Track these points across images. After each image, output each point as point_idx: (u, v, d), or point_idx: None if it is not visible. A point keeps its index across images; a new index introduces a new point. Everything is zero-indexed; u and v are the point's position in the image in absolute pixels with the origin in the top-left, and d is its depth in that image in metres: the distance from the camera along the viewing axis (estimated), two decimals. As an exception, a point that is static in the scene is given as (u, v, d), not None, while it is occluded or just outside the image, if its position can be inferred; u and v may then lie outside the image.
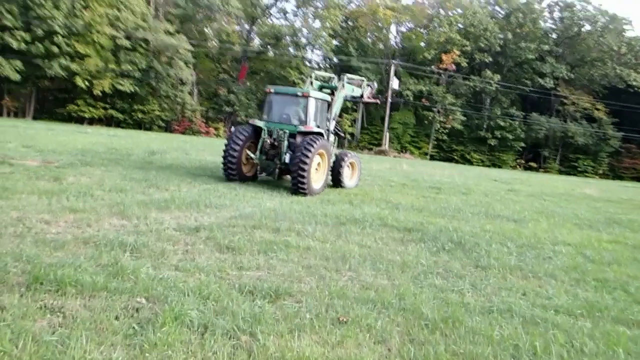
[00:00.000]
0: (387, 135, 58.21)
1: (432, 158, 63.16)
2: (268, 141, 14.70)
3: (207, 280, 5.86)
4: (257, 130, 14.95)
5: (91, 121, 49.95)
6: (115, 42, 48.43)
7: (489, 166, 62.16)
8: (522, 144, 65.49)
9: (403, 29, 69.62)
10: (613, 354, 4.87)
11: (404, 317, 5.37)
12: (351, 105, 57.25)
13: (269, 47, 65.10)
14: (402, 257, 7.90)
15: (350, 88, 17.31)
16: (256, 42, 67.10)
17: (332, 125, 16.20)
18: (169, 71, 50.95)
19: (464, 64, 62.93)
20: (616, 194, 28.49)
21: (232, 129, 15.95)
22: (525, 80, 64.75)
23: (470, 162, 63.08)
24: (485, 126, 64.67)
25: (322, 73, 19.92)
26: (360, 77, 18.95)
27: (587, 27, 66.92)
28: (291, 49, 62.25)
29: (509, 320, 5.56)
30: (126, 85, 49.00)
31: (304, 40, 62.13)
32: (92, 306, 4.81)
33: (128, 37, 48.90)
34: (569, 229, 12.53)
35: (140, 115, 51.85)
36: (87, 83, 47.06)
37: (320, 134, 14.78)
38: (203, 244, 7.50)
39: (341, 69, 62.93)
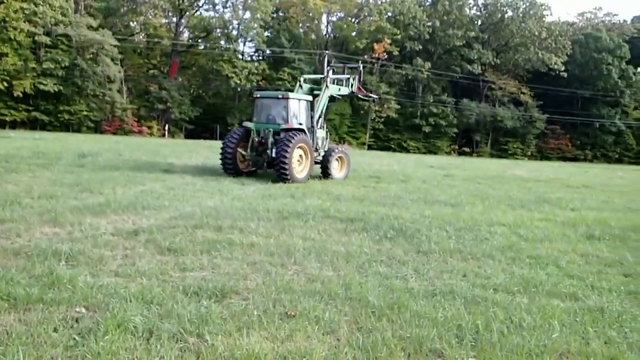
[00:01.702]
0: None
1: (370, 148, 64.04)
2: (256, 139, 17.04)
3: (149, 284, 5.70)
4: (248, 131, 17.38)
5: (13, 124, 47.15)
6: (34, 39, 46.01)
7: (425, 153, 63.78)
8: (455, 130, 67.53)
9: (334, 18, 69.92)
10: (549, 326, 5.12)
11: (351, 307, 5.44)
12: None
13: (199, 40, 63.78)
14: (346, 247, 7.98)
15: (335, 88, 19.48)
16: (186, 35, 65.55)
17: (319, 122, 18.53)
18: (95, 68, 48.73)
19: (396, 53, 63.99)
20: (544, 174, 29.95)
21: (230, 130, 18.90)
22: (454, 67, 66.70)
23: (407, 150, 64.45)
24: (419, 114, 66.17)
25: (312, 76, 21.89)
26: (345, 76, 20.56)
27: (510, 13, 69.58)
28: (223, 42, 61.19)
29: (451, 301, 5.74)
30: (49, 85, 46.55)
31: (235, 33, 61.18)
32: (27, 320, 4.58)
33: (48, 33, 46.58)
34: (503, 210, 13.05)
35: (67, 116, 49.33)
36: (5, 84, 44.49)
37: (302, 130, 16.78)
38: (143, 248, 7.29)
39: (274, 60, 62.67)
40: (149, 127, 54.25)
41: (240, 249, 7.48)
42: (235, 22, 61.64)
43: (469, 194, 16.12)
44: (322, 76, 20.13)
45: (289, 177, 15.95)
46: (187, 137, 56.00)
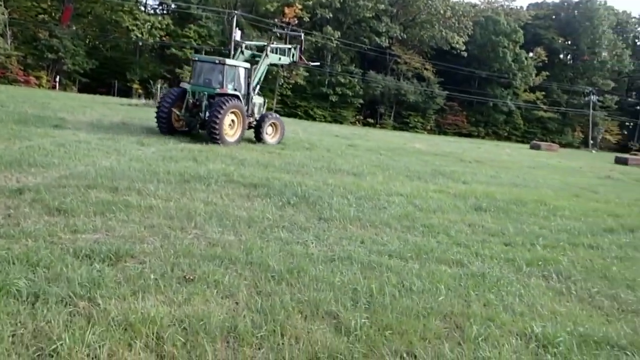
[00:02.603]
0: (230, 89, 57.30)
1: (277, 113, 63.66)
2: (191, 101, 17.66)
3: (35, 246, 5.38)
4: (185, 92, 17.88)
5: None
6: None
7: (330, 122, 64.51)
8: (361, 101, 68.78)
9: (245, -23, 67.81)
10: (436, 290, 5.48)
11: (251, 271, 5.47)
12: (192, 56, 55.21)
13: (96, -14, 59.14)
14: (249, 212, 7.97)
15: (276, 57, 20.23)
16: (82, -22, 60.45)
17: (256, 89, 19.30)
18: (-26, 9, 43.91)
19: (306, 19, 63.54)
20: (441, 148, 31.49)
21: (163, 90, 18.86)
22: (363, 38, 67.50)
23: (313, 118, 64.77)
24: (327, 82, 66.56)
25: (255, 42, 22.29)
26: (287, 46, 21.36)
27: (418, -12, 71.16)
28: (123, -10, 57.21)
29: (348, 266, 5.95)
30: None
31: (137, -19, 57.40)
32: None
33: None
34: (401, 181, 13.61)
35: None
36: None
37: (236, 96, 17.36)
38: (29, 207, 6.82)
39: (179, 16, 59.78)
40: (38, 78, 49.68)
41: (138, 212, 7.22)
42: (138, -29, 57.88)
43: (370, 165, 16.61)
44: (263, 44, 20.77)
45: (219, 139, 16.59)
46: (80, 90, 52.11)
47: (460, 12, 70.16)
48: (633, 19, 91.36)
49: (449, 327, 4.69)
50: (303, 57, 21.90)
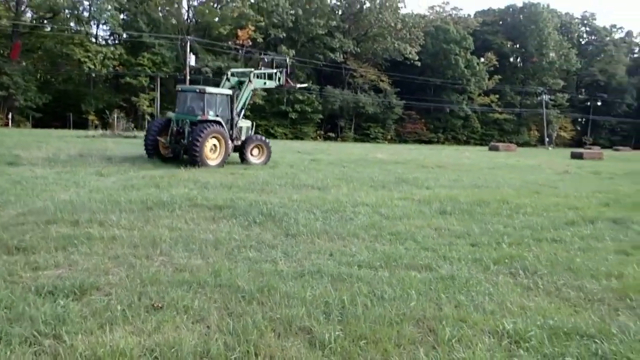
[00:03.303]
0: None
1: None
2: (175, 129, 18.84)
3: (-6, 287, 5.17)
4: (169, 121, 19.31)
5: None
6: None
7: (292, 139, 64.56)
8: (321, 116, 69.19)
9: (195, 3, 67.75)
10: (407, 296, 5.51)
11: (221, 293, 5.40)
12: (147, 84, 54.57)
13: (44, 21, 58.10)
14: (215, 234, 7.88)
15: (260, 82, 21.46)
16: (29, 15, 59.28)
17: (241, 113, 20.35)
18: None
19: (260, 40, 63.82)
20: (402, 156, 31.89)
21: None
22: (318, 54, 68.14)
23: (274, 136, 64.63)
24: (285, 100, 66.76)
25: (240, 70, 23.28)
26: (271, 70, 22.16)
27: (368, 4, 72.46)
28: (72, 24, 56.32)
29: (319, 280, 5.93)
30: None
31: (86, 14, 56.56)
32: None
33: None
34: (366, 191, 13.70)
35: None
36: None
37: (218, 122, 18.34)
38: (-14, 248, 6.57)
39: (132, 45, 59.20)
40: (-10, 116, 48.54)
41: (101, 243, 7.05)
42: (86, 2, 56.99)
43: (334, 177, 16.67)
44: (249, 70, 21.83)
45: (199, 162, 17.62)
46: (34, 126, 50.82)
47: (411, 24, 71.72)
48: (576, 20, 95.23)
49: (422, 332, 4.71)
50: (290, 80, 22.78)
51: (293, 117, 66.79)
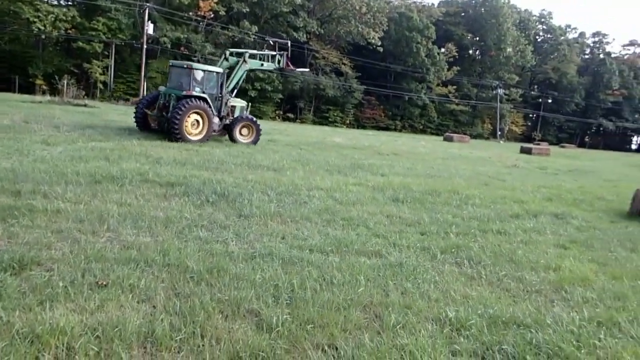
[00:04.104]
0: (144, 85, 55.02)
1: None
2: (161, 102, 19.26)
3: None
4: (159, 94, 19.74)
5: None
6: None
7: (249, 117, 63.83)
8: (280, 96, 68.62)
9: (156, -31, 65.49)
10: (356, 281, 5.60)
11: (169, 273, 5.33)
12: (101, 50, 52.59)
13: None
14: (166, 212, 7.75)
15: (257, 63, 21.92)
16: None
17: (233, 92, 20.94)
18: None
19: (222, 13, 62.43)
20: (360, 142, 32.07)
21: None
22: (281, 33, 67.18)
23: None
24: (245, 77, 65.81)
25: (238, 50, 22.99)
26: (270, 52, 22.71)
27: (333, -16, 71.91)
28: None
29: (270, 263, 5.93)
30: None
31: (37, -29, 53.62)
32: None
33: None
34: (321, 175, 13.74)
35: None
36: None
37: (203, 99, 18.58)
38: None
39: (86, 8, 56.68)
40: None
41: (44, 216, 6.81)
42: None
43: (291, 159, 16.63)
44: (245, 51, 22.11)
45: (179, 137, 17.90)
46: (-25, 88, 48.43)
47: (375, 9, 71.63)
48: (534, 17, 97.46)
49: (368, 317, 4.80)
50: (290, 64, 23.10)
51: (252, 95, 65.88)
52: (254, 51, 22.53)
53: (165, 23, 57.69)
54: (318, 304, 4.89)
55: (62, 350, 3.68)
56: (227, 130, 20.61)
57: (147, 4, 51.31)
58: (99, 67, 52.01)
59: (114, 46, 52.03)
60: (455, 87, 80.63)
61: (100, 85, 52.27)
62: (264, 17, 67.59)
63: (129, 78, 57.49)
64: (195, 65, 19.78)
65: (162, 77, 59.26)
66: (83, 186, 8.91)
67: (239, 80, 21.39)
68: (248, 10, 64.05)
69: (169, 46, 57.42)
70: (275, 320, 4.43)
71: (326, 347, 4.17)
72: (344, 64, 71.61)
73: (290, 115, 69.94)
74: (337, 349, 4.17)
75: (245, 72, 21.61)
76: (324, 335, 4.34)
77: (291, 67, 23.92)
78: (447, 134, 58.89)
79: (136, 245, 6.07)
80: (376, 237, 7.69)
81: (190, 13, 60.75)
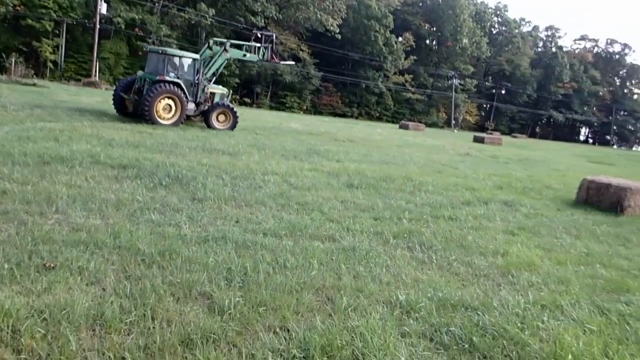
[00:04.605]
0: (97, 66, 53.27)
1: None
2: (137, 86, 19.62)
3: None
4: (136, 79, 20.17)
5: None
6: None
7: (206, 101, 62.84)
8: (237, 80, 67.78)
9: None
10: (309, 265, 5.65)
11: (120, 255, 5.24)
12: (52, 29, 50.52)
13: None
14: (117, 195, 7.59)
15: (238, 52, 22.59)
16: None
17: (212, 79, 21.48)
18: None
19: (180, -6, 61.04)
20: (316, 128, 32.11)
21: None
22: (239, 17, 66.30)
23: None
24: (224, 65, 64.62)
25: (220, 40, 23.37)
26: (256, 44, 23.09)
27: (292, -31, 71.21)
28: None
29: (223, 246, 5.91)
30: None
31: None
32: None
33: None
34: (277, 160, 13.72)
35: None
36: None
37: (176, 84, 18.92)
38: None
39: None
40: None
41: (-12, 197, 6.56)
42: None
43: (246, 144, 16.52)
44: (227, 40, 22.61)
45: (149, 120, 18.36)
46: None
47: (335, -5, 71.44)
48: (489, 10, 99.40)
49: (321, 300, 4.87)
50: (274, 57, 23.54)
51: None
52: (237, 41, 23.02)
53: (119, 3, 55.85)
54: (271, 287, 4.91)
55: (7, 333, 3.58)
56: (204, 116, 20.97)
57: (99, -17, 49.49)
58: (49, 46, 49.96)
59: (65, 25, 50.10)
60: (411, 76, 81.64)
61: (50, 65, 50.24)
62: (221, 1, 66.38)
63: (80, 58, 55.49)
64: (170, 50, 20.44)
65: (115, 57, 57.73)
66: (31, 167, 8.63)
67: (218, 68, 21.89)
68: (206, -9, 62.70)
69: (123, 27, 55.71)
70: (228, 303, 4.43)
71: (278, 329, 4.20)
72: (302, 50, 71.26)
73: (247, 100, 69.21)
74: (288, 330, 4.21)
75: (225, 60, 22.14)
76: (276, 317, 4.38)
77: (276, 60, 24.48)
78: (402, 122, 59.63)
79: (86, 227, 5.94)
80: (330, 221, 7.76)
81: (146, -8, 58.94)
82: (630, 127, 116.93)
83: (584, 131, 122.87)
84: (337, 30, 70.17)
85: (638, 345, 4.69)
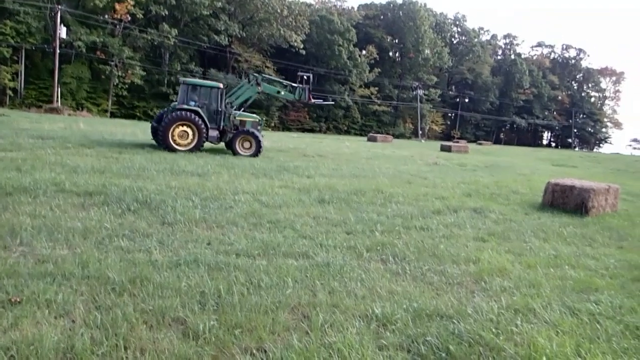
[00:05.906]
0: (58, 91, 52.31)
1: (113, 115, 59.74)
2: (163, 115, 20.71)
3: None
4: None
5: None
6: None
7: (172, 122, 62.20)
8: (203, 100, 67.43)
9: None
10: (284, 283, 5.62)
11: (89, 285, 5.12)
12: (10, 55, 49.51)
13: None
14: (84, 223, 7.42)
15: (272, 89, 23.75)
16: None
17: (240, 108, 22.84)
18: None
19: (140, 16, 60.56)
20: (285, 144, 32.16)
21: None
22: (202, 36, 66.25)
23: (152, 119, 61.93)
24: (166, 81, 64.19)
25: (255, 74, 24.21)
26: (295, 84, 23.59)
27: (254, -13, 71.56)
28: None
29: (195, 270, 5.83)
30: None
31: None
32: None
33: None
34: (247, 179, 13.64)
35: None
36: None
37: (194, 111, 19.87)
38: None
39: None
40: None
41: (-52, 232, 6.34)
42: None
43: (215, 164, 16.38)
44: (261, 75, 23.72)
45: (164, 146, 19.50)
46: None
47: (297, 11, 72.08)
48: (449, 20, 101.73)
49: (297, 318, 4.84)
50: (311, 97, 24.12)
51: (174, 99, 64.31)
52: (274, 78, 24.93)
53: (79, 26, 55.16)
54: (246, 308, 4.86)
55: (-29, 374, 3.45)
56: (227, 143, 21.79)
57: (59, 7, 48.87)
58: (7, 73, 48.92)
59: (23, 51, 49.17)
60: (377, 88, 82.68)
61: (9, 92, 49.17)
62: (183, 20, 66.22)
63: (41, 84, 54.46)
64: (189, 80, 21.44)
65: (77, 82, 56.78)
66: (-9, 199, 8.37)
67: (247, 99, 23.09)
68: (167, 13, 62.48)
69: (84, 50, 54.97)
70: (202, 327, 4.37)
71: (254, 351, 4.16)
72: (267, 67, 71.57)
73: (215, 119, 68.69)
74: (265, 351, 4.17)
75: (256, 93, 23.18)
76: (252, 339, 4.33)
77: (313, 101, 24.90)
78: (370, 134, 60.14)
79: (52, 258, 5.79)
80: (303, 238, 7.74)
81: (106, 16, 58.43)
82: (589, 129, 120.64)
83: (546, 135, 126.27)
84: (301, 46, 70.77)
85: (609, 344, 4.80)
